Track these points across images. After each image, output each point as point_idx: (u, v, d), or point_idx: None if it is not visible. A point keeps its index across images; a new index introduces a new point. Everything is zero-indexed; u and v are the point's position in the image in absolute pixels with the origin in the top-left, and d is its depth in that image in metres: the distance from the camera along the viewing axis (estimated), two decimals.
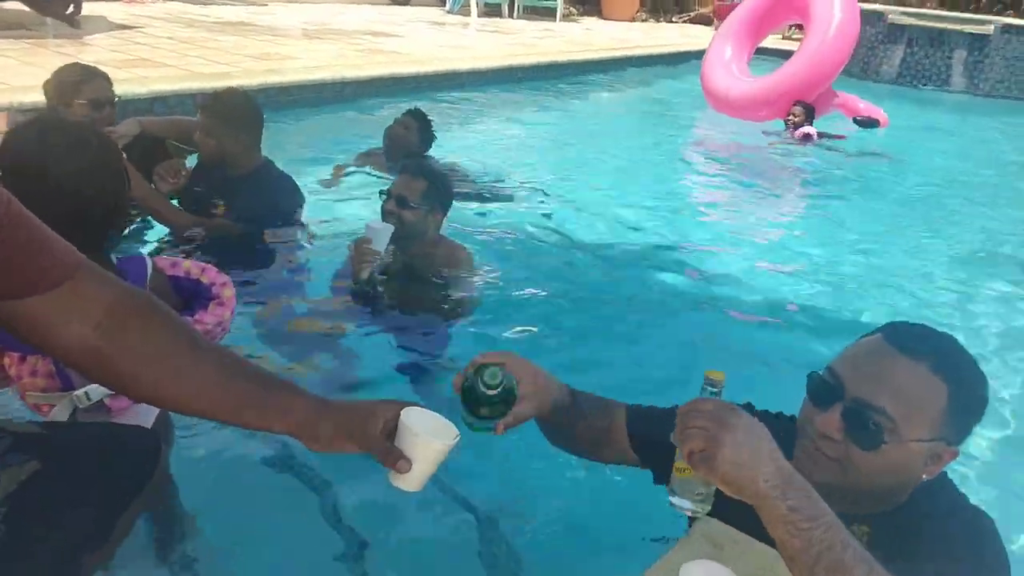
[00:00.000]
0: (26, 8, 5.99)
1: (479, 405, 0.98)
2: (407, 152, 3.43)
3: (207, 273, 1.39)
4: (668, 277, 2.98)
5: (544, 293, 2.64)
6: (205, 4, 8.74)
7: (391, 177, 3.43)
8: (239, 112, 2.63)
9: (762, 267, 3.19)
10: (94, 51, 5.00)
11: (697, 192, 4.45)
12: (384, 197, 2.30)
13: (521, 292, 2.62)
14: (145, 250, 2.66)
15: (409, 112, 3.55)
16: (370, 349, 2.24)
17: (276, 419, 0.91)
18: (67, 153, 1.28)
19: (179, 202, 2.60)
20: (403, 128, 3.48)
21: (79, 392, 1.26)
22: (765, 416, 1.12)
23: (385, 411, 0.92)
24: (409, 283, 2.40)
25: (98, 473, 1.01)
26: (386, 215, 2.26)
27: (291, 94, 4.61)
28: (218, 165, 2.63)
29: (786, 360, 2.26)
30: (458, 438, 0.92)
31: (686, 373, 1.84)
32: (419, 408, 0.94)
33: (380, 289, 2.32)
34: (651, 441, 1.14)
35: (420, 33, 8.23)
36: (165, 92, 3.94)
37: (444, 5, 10.73)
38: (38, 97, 2.64)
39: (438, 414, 0.95)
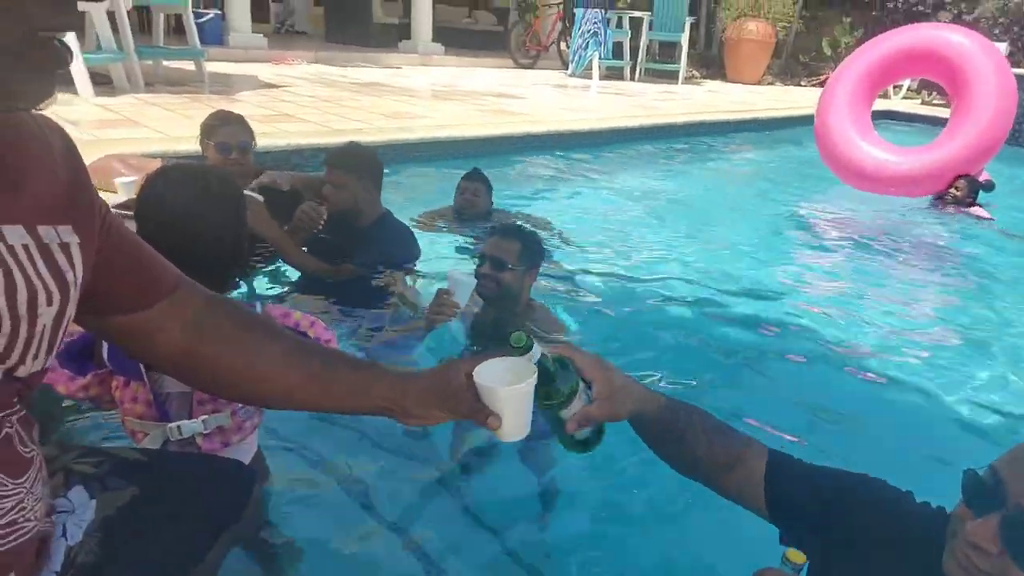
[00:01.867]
0: (189, 67, 6.65)
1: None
2: (479, 212, 3.56)
3: (315, 327, 1.42)
4: (781, 358, 2.76)
5: (638, 362, 2.49)
6: (346, 66, 9.40)
7: (468, 235, 3.46)
8: (363, 164, 2.77)
9: (899, 354, 2.88)
10: (243, 106, 5.44)
11: (822, 264, 4.17)
12: (479, 261, 2.29)
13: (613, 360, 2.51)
14: (271, 289, 2.81)
15: (474, 176, 3.62)
16: None
17: (364, 398, 0.94)
18: (186, 193, 1.35)
19: (307, 248, 2.75)
20: (472, 193, 3.56)
21: (172, 425, 1.30)
22: (914, 509, 1.00)
23: (460, 372, 0.92)
24: (497, 344, 2.38)
25: (193, 502, 1.02)
26: (482, 278, 2.24)
27: (418, 150, 4.81)
28: (343, 215, 2.76)
29: (932, 452, 2.04)
30: (534, 376, 0.91)
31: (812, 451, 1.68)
32: (491, 360, 0.94)
33: (470, 345, 2.32)
34: (789, 502, 1.06)
35: (543, 95, 8.44)
36: (302, 145, 4.19)
37: (567, 68, 10.98)
38: (190, 146, 2.87)
39: (511, 357, 0.94)
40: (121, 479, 0.97)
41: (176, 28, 8.21)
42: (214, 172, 1.47)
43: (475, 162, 5.03)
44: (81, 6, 5.21)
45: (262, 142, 3.96)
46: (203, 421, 1.31)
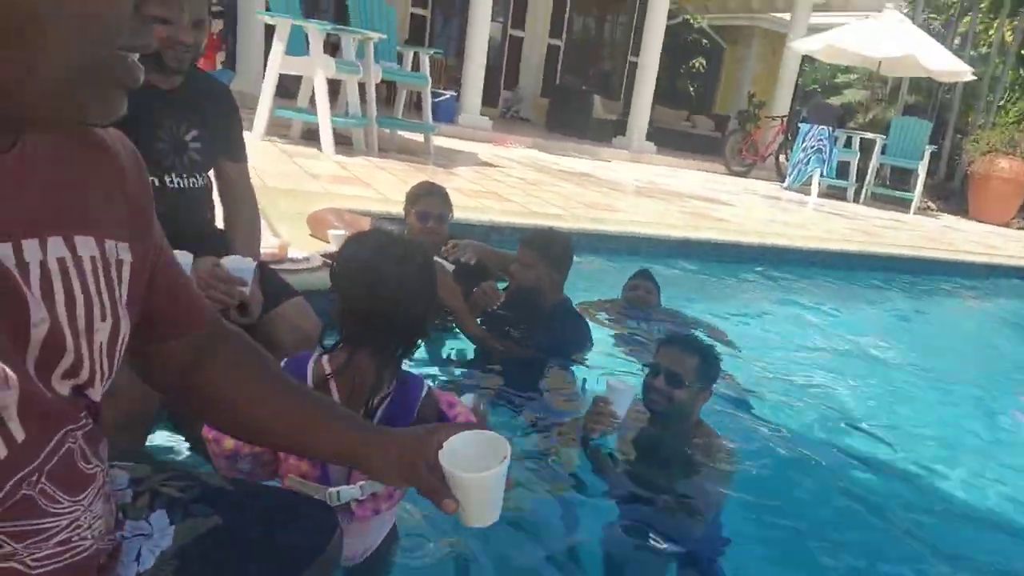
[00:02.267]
0: (420, 139, 7.24)
1: None
2: (646, 310, 3.39)
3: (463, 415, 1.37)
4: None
5: (807, 522, 2.13)
6: (559, 155, 9.78)
7: (633, 331, 3.27)
8: (555, 249, 2.76)
9: None
10: (457, 179, 5.78)
11: None
12: (651, 370, 2.11)
13: (786, 507, 2.15)
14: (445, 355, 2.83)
15: (645, 275, 3.48)
16: (590, 511, 2.00)
17: (332, 449, 0.93)
18: (387, 258, 1.35)
19: (482, 321, 2.75)
20: (645, 291, 3.42)
21: (332, 491, 1.27)
22: None
23: (432, 441, 0.87)
24: (653, 461, 2.16)
25: (274, 540, 0.98)
26: (652, 391, 2.07)
27: (610, 242, 4.76)
28: (524, 294, 2.74)
29: None
30: (506, 460, 0.85)
31: None
32: (467, 433, 0.88)
33: (617, 457, 2.12)
34: None
35: (751, 204, 8.11)
36: (500, 223, 4.31)
37: (783, 181, 10.55)
38: (400, 209, 3.05)
39: (489, 434, 0.89)
40: (206, 506, 0.96)
41: (415, 103, 9.05)
42: (411, 240, 1.49)
43: (666, 262, 4.90)
44: (339, 76, 5.90)
45: (465, 215, 4.15)
46: (360, 487, 1.28)
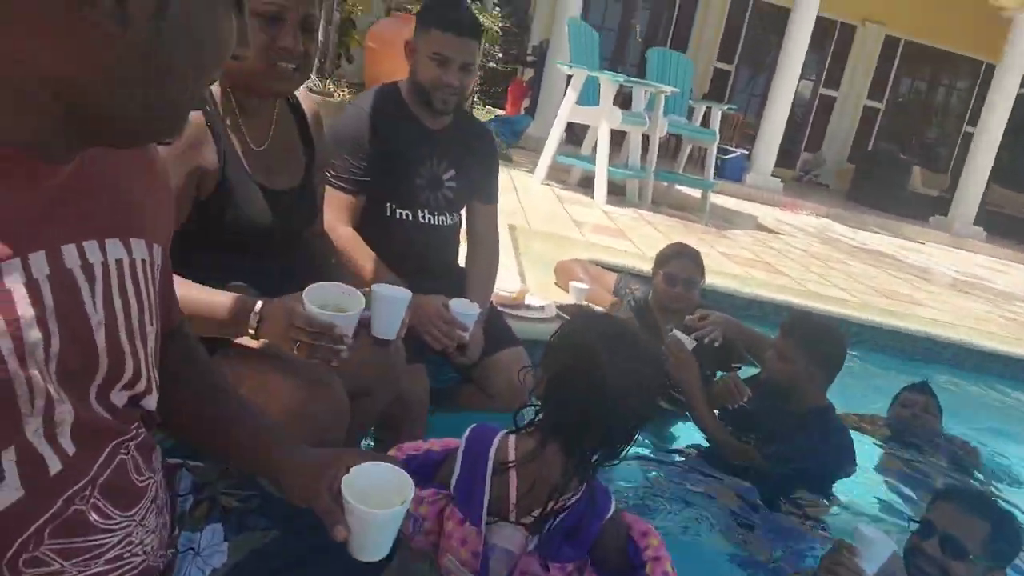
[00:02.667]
0: (697, 194, 6.94)
1: None
2: (922, 435, 2.69)
3: (658, 564, 1.17)
4: None
5: None
6: (856, 228, 8.73)
7: (899, 457, 2.62)
8: (824, 345, 2.28)
9: None
10: (726, 242, 5.38)
11: None
12: (922, 530, 1.64)
13: None
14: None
15: (923, 389, 2.77)
16: None
17: (248, 456, 0.90)
18: (605, 348, 1.19)
19: (719, 412, 2.40)
20: (922, 409, 2.73)
21: None
22: None
23: (340, 465, 0.85)
24: None
25: (330, 557, 0.92)
26: (918, 555, 1.61)
27: (901, 342, 4.01)
28: (775, 389, 2.33)
29: None
30: (406, 504, 0.84)
31: None
32: (376, 464, 0.88)
33: None
34: None
35: None
36: (764, 298, 3.87)
37: None
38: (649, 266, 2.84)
39: (399, 470, 0.88)
40: (263, 518, 0.94)
41: (701, 158, 8.77)
42: (645, 339, 1.32)
43: (975, 379, 3.98)
44: (624, 127, 5.88)
45: (725, 283, 3.78)
46: None
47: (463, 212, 2.19)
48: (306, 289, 1.19)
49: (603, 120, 5.75)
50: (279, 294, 1.37)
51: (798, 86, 9.50)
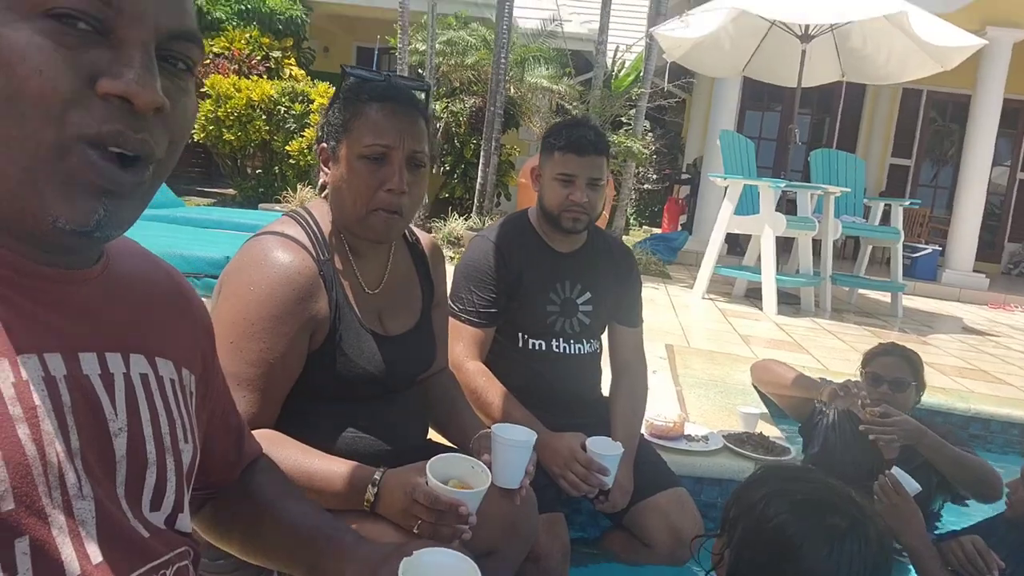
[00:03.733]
0: (885, 298, 6.24)
1: None
2: None
3: None
4: None
5: None
6: None
7: None
8: None
9: None
10: (930, 350, 4.68)
11: None
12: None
13: None
14: None
15: None
16: None
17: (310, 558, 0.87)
18: (809, 523, 0.96)
19: None
20: None
21: None
22: None
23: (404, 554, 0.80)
24: None
25: None
26: None
27: None
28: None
29: None
30: None
31: None
32: (439, 551, 0.83)
33: None
34: None
35: None
36: (986, 414, 3.22)
37: None
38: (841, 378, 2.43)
39: (464, 557, 0.83)
40: None
41: (884, 259, 8.00)
42: (865, 505, 1.02)
43: None
44: (791, 233, 5.51)
45: (939, 399, 3.21)
46: None
47: (603, 338, 2.03)
48: (430, 461, 1.08)
49: (766, 228, 5.42)
50: (397, 444, 1.28)
51: (991, 173, 8.56)
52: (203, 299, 0.83)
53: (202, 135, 8.26)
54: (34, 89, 0.49)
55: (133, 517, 0.62)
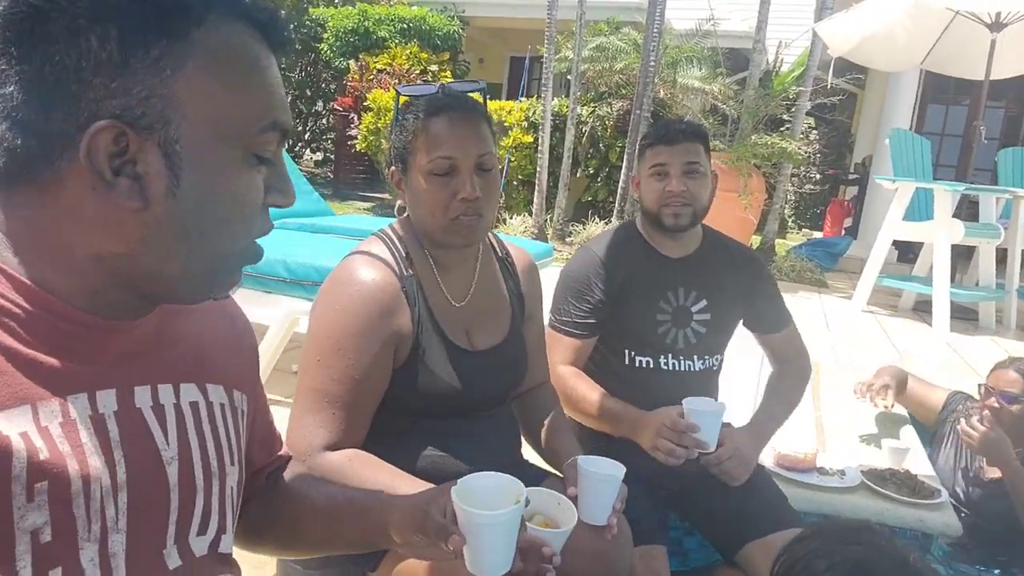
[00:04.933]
0: None
1: None
2: None
3: None
4: None
5: None
6: None
7: None
8: None
9: None
10: None
11: None
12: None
13: None
14: None
15: None
16: None
17: (366, 525, 0.89)
18: None
19: None
20: None
21: None
22: None
23: (448, 491, 0.84)
24: None
25: None
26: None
27: None
28: None
29: None
30: (520, 505, 0.83)
31: None
32: (483, 475, 0.88)
33: None
34: None
35: None
36: None
37: None
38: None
39: (507, 476, 0.89)
40: None
41: None
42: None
43: None
44: (969, 240, 4.96)
45: None
46: None
47: (723, 353, 1.89)
48: (461, 480, 1.02)
49: (940, 235, 4.90)
50: (484, 462, 1.25)
51: None
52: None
53: (363, 144, 8.85)
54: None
55: (174, 544, 0.66)
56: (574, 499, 1.16)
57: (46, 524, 0.55)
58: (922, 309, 5.38)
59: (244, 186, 0.63)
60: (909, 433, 2.64)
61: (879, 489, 2.04)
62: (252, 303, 2.68)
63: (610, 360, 1.79)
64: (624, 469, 1.22)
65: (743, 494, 1.65)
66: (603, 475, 1.19)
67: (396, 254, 1.26)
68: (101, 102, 0.56)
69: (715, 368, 1.86)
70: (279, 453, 0.95)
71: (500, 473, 0.88)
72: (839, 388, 3.15)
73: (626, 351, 1.77)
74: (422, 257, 1.28)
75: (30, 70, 0.55)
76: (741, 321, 1.89)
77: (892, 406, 2.51)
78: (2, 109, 0.56)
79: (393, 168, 1.28)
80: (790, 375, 1.90)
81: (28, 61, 0.55)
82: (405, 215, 1.32)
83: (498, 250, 1.43)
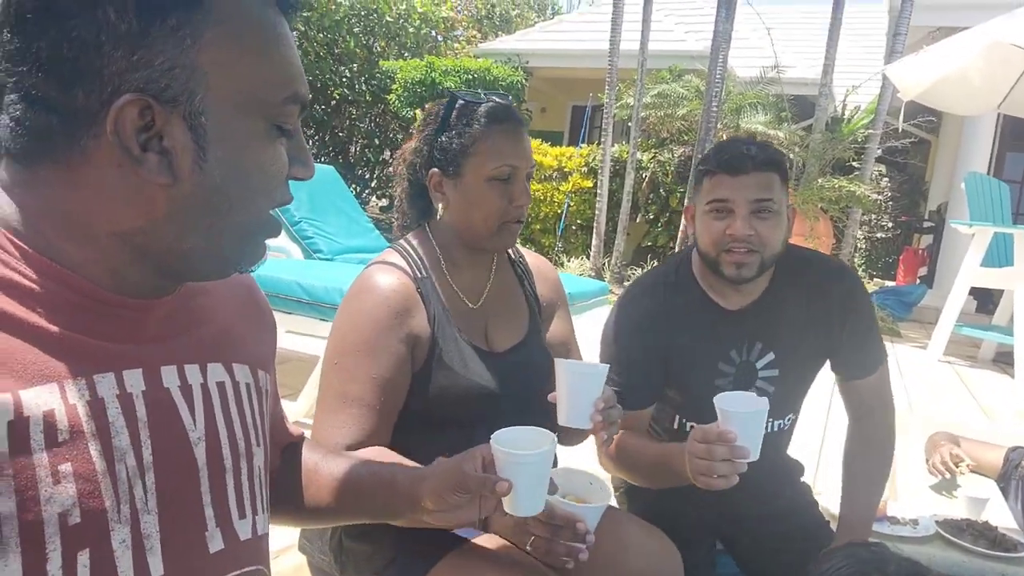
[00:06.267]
0: None
1: None
2: None
3: None
4: None
5: None
6: None
7: None
8: None
9: None
10: None
11: None
12: None
13: None
14: None
15: None
16: None
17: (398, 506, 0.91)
18: None
19: None
20: None
21: None
22: None
23: (482, 450, 0.88)
24: None
25: None
26: None
27: None
28: None
29: None
30: (554, 444, 0.89)
31: None
32: (514, 428, 0.91)
33: None
34: None
35: None
36: None
37: None
38: None
39: (537, 428, 0.92)
40: None
41: None
42: None
43: None
44: None
45: None
46: None
47: (798, 412, 1.61)
48: (499, 432, 0.93)
49: (1020, 283, 4.66)
50: None
51: None
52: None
53: None
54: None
55: (216, 527, 0.65)
56: (554, 404, 1.11)
57: (74, 506, 0.54)
58: (1003, 360, 5.08)
59: (270, 158, 0.63)
60: (988, 484, 2.48)
61: (955, 540, 1.91)
62: (314, 330, 2.84)
63: (657, 424, 1.59)
64: (607, 367, 1.12)
65: (803, 547, 1.48)
66: (583, 371, 1.10)
67: (410, 260, 1.28)
68: (124, 75, 0.54)
69: (785, 428, 1.58)
70: (290, 431, 0.95)
71: (531, 427, 0.91)
72: (910, 434, 3.00)
73: (676, 416, 1.55)
74: (436, 261, 1.30)
75: (47, 47, 0.54)
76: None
77: (972, 464, 2.39)
78: (20, 87, 0.55)
79: (435, 170, 1.27)
80: (873, 445, 1.56)
81: (44, 37, 0.53)
82: (420, 227, 1.34)
83: (511, 253, 1.44)
